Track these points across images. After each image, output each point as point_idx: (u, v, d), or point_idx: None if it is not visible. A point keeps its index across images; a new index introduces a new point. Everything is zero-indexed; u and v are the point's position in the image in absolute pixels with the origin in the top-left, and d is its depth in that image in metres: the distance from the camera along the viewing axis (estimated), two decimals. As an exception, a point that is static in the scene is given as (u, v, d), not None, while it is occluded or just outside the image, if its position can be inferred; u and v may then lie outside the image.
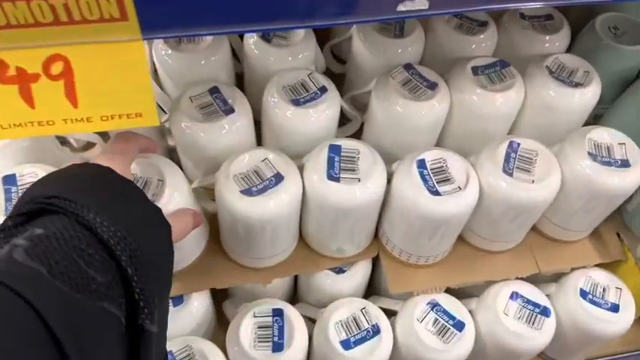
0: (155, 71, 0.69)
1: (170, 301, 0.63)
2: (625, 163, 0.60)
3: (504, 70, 0.65)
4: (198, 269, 0.65)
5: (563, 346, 0.72)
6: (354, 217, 0.60)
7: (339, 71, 0.79)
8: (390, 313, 0.68)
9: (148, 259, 0.36)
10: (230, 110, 0.60)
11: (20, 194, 0.56)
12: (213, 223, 0.66)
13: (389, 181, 0.60)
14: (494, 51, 0.72)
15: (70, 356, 0.29)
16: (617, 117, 0.71)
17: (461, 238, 0.69)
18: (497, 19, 0.72)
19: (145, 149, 0.51)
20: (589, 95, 0.65)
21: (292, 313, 0.65)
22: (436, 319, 0.66)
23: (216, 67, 0.66)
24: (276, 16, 0.36)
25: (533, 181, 0.59)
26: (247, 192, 0.55)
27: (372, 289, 0.77)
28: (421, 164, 0.59)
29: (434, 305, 0.67)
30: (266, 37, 0.66)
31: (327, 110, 0.61)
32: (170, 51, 0.64)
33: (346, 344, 0.63)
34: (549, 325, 0.67)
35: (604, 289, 0.70)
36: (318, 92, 0.62)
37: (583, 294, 0.69)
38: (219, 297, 0.73)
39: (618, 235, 0.74)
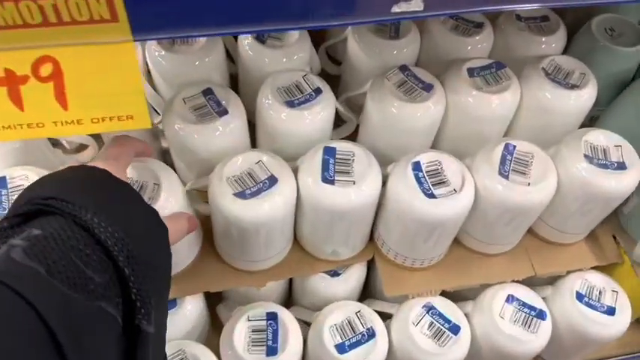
0: (148, 72, 0.68)
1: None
2: (621, 166, 0.60)
3: (500, 71, 0.65)
4: (191, 272, 0.64)
5: (559, 349, 0.72)
6: (349, 219, 0.59)
7: (334, 73, 0.78)
8: (386, 317, 0.68)
9: (145, 259, 0.36)
10: (224, 112, 0.59)
11: (10, 197, 0.56)
12: (206, 225, 0.65)
13: (384, 183, 0.59)
14: (490, 52, 0.72)
15: (70, 356, 0.29)
16: (613, 119, 0.71)
17: (456, 241, 0.69)
18: (493, 21, 0.72)
19: (141, 153, 0.51)
20: (585, 97, 0.65)
21: (286, 317, 0.64)
22: (431, 323, 0.66)
23: (210, 68, 0.65)
24: (270, 17, 0.36)
25: (529, 184, 0.59)
26: (241, 195, 0.55)
27: (367, 292, 0.77)
28: (416, 166, 0.59)
29: (429, 308, 0.67)
30: (260, 39, 0.66)
31: (321, 112, 0.61)
32: (163, 52, 0.63)
33: (341, 348, 0.62)
34: (545, 328, 0.67)
35: (600, 292, 0.70)
36: (313, 94, 0.61)
37: (579, 297, 0.69)
38: (213, 300, 0.72)
39: (614, 237, 0.74)
